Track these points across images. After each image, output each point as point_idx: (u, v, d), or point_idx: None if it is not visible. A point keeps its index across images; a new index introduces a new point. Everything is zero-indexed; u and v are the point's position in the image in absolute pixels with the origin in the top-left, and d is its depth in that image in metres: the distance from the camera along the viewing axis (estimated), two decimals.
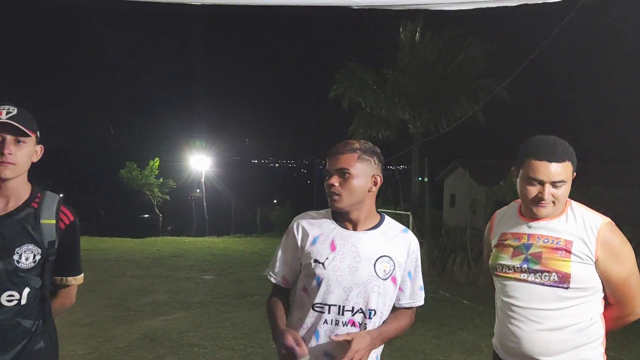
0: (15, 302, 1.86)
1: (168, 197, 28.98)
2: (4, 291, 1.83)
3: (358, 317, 1.96)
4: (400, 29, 18.67)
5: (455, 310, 8.56)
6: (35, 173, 1.99)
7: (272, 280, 2.14)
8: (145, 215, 34.22)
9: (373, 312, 1.97)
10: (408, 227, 2.20)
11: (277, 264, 2.13)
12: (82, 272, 2.14)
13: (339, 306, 1.96)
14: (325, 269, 1.96)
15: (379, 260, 1.99)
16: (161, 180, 28.40)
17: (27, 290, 1.88)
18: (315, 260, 1.98)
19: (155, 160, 27.98)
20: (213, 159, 35.52)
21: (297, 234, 2.07)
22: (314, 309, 1.97)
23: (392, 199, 19.54)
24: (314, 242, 2.02)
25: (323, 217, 2.09)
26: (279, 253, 2.13)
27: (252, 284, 10.12)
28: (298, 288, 2.07)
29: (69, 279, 2.08)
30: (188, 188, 37.14)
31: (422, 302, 2.11)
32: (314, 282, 1.97)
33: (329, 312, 1.95)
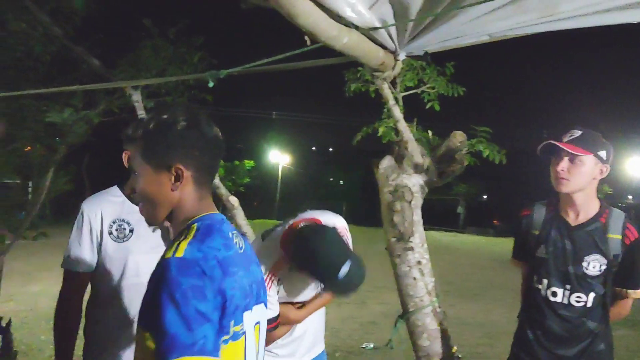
0: (582, 304, 2.19)
1: None
2: (573, 292, 2.19)
3: None
4: None
5: None
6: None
7: None
8: None
9: None
10: None
11: None
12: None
13: None
14: None
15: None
16: None
17: (592, 294, 2.19)
18: None
19: None
20: None
21: None
22: None
23: None
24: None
25: None
26: None
27: None
28: None
29: (629, 291, 2.25)
30: (624, 193, 33.79)
31: None
32: None
33: None
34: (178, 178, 1.33)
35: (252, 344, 1.35)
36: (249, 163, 39.12)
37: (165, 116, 1.36)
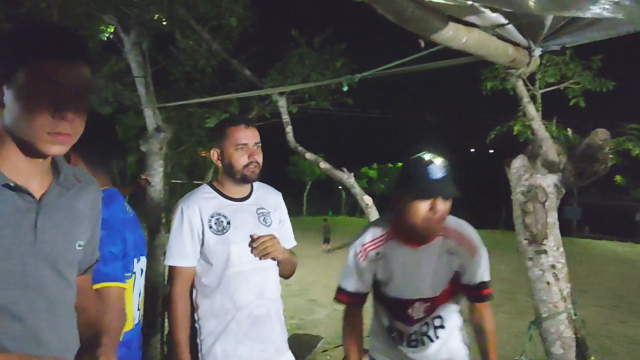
0: None
1: None
2: None
3: None
4: None
5: None
6: None
7: None
8: None
9: None
10: None
11: None
12: None
13: None
14: None
15: None
16: None
17: None
18: None
19: None
20: None
21: None
22: None
23: None
24: None
25: None
26: None
27: None
28: None
29: None
30: None
31: None
32: None
33: None
34: (68, 160, 1.62)
35: (138, 283, 1.86)
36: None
37: None
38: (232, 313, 2.06)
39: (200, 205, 2.08)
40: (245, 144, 2.08)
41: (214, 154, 2.14)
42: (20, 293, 1.11)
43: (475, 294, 2.13)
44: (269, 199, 2.26)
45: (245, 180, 2.12)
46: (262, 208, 2.20)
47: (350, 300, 2.18)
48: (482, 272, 2.10)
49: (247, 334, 2.07)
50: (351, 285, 2.15)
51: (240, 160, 2.07)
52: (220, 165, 2.12)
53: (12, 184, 1.10)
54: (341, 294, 2.19)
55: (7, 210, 1.10)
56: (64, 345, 1.21)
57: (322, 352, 4.94)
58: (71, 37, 1.14)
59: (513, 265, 14.15)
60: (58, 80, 1.09)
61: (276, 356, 2.16)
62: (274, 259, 2.15)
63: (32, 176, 1.16)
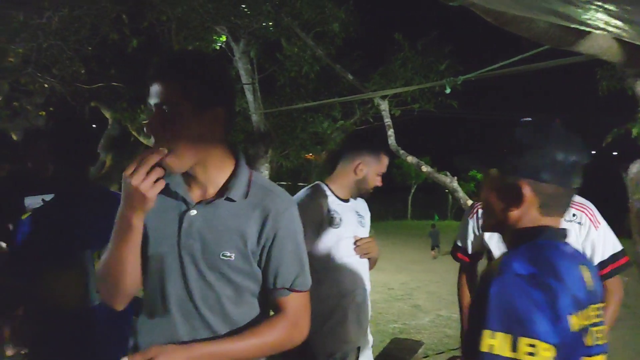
0: None
1: None
2: None
3: None
4: None
5: None
6: None
7: None
8: None
9: None
10: None
11: None
12: None
13: None
14: None
15: None
16: None
17: None
18: None
19: None
20: None
21: None
22: None
23: None
24: None
25: None
26: None
27: None
28: None
29: None
30: None
31: None
32: None
33: None
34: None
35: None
36: None
37: None
38: (337, 298, 2.28)
39: (321, 200, 2.35)
40: (384, 172, 2.40)
41: (359, 166, 2.34)
42: (159, 279, 1.30)
43: (607, 270, 2.06)
44: (360, 205, 2.51)
45: (363, 196, 2.42)
46: (358, 212, 2.46)
47: (461, 256, 2.43)
48: (613, 243, 2.06)
49: (349, 317, 2.30)
50: (460, 241, 2.42)
51: (374, 182, 2.37)
52: (355, 175, 2.33)
53: (167, 189, 1.26)
54: (454, 250, 2.47)
55: (160, 209, 1.27)
56: (193, 338, 1.29)
57: (424, 357, 4.87)
58: (162, 58, 1.29)
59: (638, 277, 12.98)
60: (150, 102, 1.24)
61: (366, 337, 2.44)
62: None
63: (192, 185, 1.32)
